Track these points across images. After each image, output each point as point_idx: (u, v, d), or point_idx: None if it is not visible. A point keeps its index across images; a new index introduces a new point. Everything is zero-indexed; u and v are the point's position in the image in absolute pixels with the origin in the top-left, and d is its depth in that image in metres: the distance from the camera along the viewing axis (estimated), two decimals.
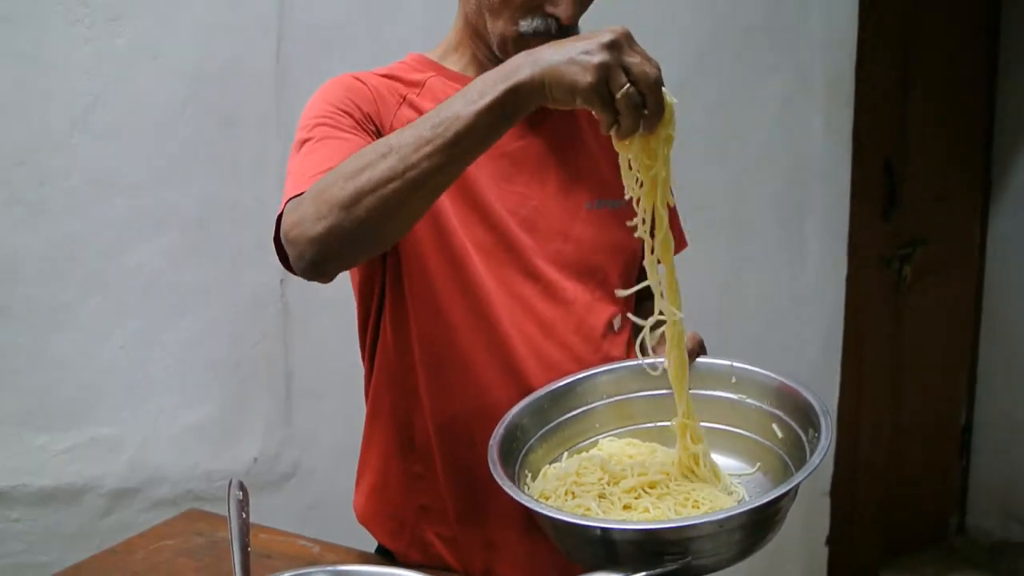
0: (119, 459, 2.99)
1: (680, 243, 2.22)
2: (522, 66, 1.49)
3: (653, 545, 1.48)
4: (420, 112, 1.87)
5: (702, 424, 1.76)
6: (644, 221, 1.61)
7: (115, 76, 2.86)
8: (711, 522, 1.47)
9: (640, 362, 1.88)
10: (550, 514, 1.52)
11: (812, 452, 1.59)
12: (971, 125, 4.74)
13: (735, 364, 1.85)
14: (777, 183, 3.90)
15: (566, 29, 1.86)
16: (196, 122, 2.95)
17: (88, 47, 2.83)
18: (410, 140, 1.53)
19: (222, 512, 2.05)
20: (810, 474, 1.52)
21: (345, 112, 1.84)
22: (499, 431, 1.74)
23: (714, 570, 1.53)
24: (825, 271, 4.06)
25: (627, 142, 1.52)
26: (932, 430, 4.89)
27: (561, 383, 1.88)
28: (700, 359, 1.87)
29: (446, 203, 1.89)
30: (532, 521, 1.65)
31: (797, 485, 1.52)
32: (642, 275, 2.11)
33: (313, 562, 1.88)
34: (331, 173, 1.59)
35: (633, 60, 1.43)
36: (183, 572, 1.97)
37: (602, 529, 1.51)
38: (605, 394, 1.90)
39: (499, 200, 1.94)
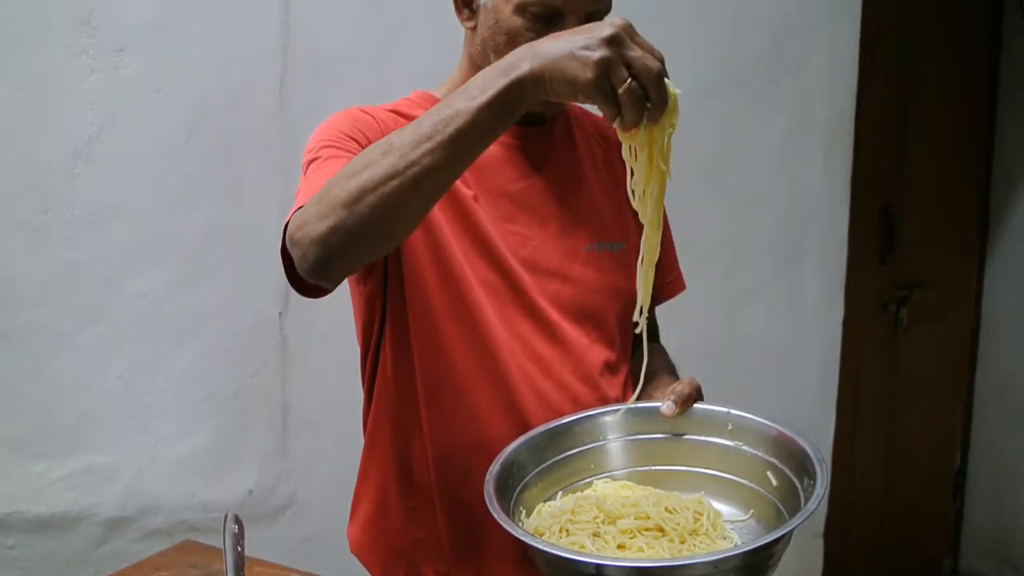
0: (115, 487, 2.99)
1: (678, 285, 2.24)
2: (522, 59, 1.49)
3: None
4: None
5: (698, 470, 1.80)
6: (646, 208, 1.64)
7: (119, 106, 2.88)
8: (705, 562, 1.47)
9: (640, 405, 1.90)
10: (545, 548, 1.52)
11: (807, 500, 1.59)
12: (969, 169, 4.75)
13: (732, 411, 1.85)
14: (776, 222, 3.91)
15: None
16: (199, 152, 2.97)
17: (93, 77, 2.84)
18: (411, 138, 1.52)
19: (217, 544, 2.05)
20: (804, 521, 1.53)
21: (351, 138, 1.84)
22: (495, 466, 1.74)
23: None
24: (822, 313, 4.06)
25: (631, 132, 1.54)
26: (927, 472, 4.89)
27: (560, 422, 1.88)
28: (697, 405, 1.87)
29: (451, 239, 1.90)
30: (528, 558, 1.64)
31: (791, 531, 1.52)
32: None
33: None
34: (334, 176, 1.59)
35: (635, 54, 1.43)
36: None
37: (597, 565, 1.51)
38: (603, 435, 1.89)
39: (501, 239, 1.94)
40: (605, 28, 1.44)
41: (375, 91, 2.07)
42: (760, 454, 1.79)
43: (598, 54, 1.42)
